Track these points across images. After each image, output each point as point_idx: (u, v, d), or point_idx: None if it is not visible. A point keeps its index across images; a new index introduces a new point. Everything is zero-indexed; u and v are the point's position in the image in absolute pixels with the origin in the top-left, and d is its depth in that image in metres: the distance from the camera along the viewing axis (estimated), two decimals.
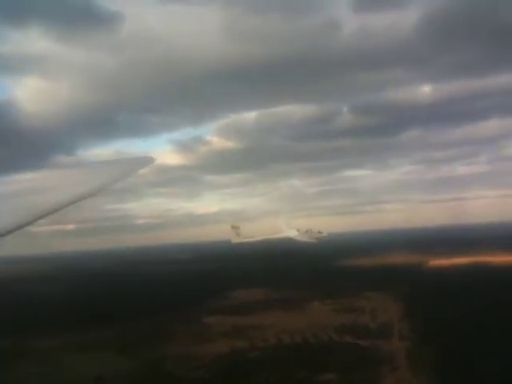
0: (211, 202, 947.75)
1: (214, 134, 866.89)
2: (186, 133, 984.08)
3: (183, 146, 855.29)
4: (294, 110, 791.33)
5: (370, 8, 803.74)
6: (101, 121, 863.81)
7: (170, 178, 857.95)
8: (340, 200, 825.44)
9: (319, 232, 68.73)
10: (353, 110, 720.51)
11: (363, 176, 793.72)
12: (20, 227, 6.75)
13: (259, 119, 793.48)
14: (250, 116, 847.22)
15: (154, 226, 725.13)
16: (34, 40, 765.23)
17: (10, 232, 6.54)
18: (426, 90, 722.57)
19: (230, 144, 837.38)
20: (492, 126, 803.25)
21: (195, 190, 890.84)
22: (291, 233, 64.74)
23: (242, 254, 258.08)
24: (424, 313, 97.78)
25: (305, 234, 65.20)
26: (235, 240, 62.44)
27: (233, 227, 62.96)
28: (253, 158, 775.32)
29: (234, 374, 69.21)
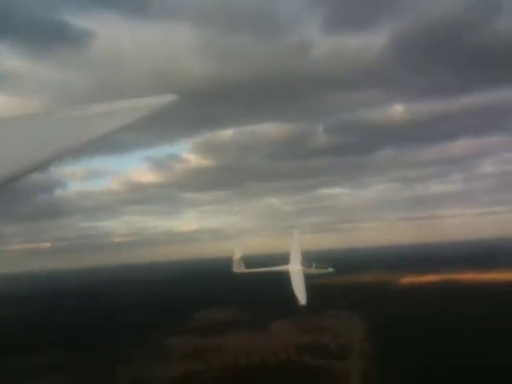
0: (189, 219, 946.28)
1: (190, 152, 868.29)
2: (161, 150, 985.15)
3: (159, 164, 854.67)
4: (269, 129, 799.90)
5: (341, 30, 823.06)
6: None
7: (145, 196, 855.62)
8: (317, 218, 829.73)
9: (326, 267, 59.92)
10: (328, 130, 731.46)
11: (340, 194, 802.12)
12: None
13: (235, 137, 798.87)
14: (226, 134, 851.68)
15: (131, 244, 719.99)
16: (4, 57, 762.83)
17: None
18: (398, 110, 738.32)
19: (206, 162, 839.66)
20: (463, 145, 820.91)
21: (172, 208, 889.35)
22: (296, 267, 57.10)
23: (218, 273, 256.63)
24: (386, 333, 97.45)
25: (311, 268, 57.99)
26: (238, 270, 59.79)
27: (235, 259, 60.72)
28: (230, 176, 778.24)
29: None
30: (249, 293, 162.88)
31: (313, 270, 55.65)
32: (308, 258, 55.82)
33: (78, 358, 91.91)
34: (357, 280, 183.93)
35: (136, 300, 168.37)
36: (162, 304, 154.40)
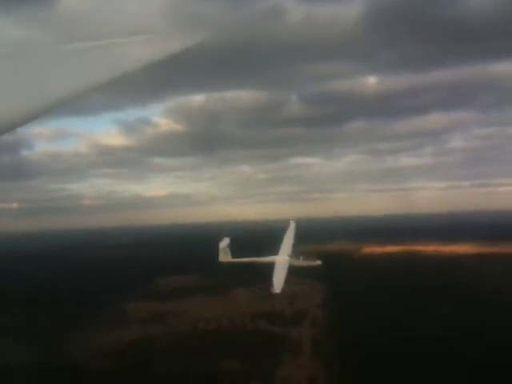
0: (159, 185, 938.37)
1: (161, 116, 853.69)
2: (131, 114, 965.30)
3: (129, 128, 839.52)
4: (242, 97, 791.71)
5: None
6: None
7: (115, 160, 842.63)
8: (289, 187, 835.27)
9: (314, 259, 58.00)
10: (301, 100, 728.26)
11: (312, 164, 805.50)
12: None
13: (208, 103, 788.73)
14: (199, 99, 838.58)
15: (99, 207, 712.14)
16: None
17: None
18: (371, 82, 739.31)
19: (177, 127, 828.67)
20: (434, 120, 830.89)
21: (142, 173, 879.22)
22: (283, 258, 54.97)
23: (186, 239, 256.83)
24: (343, 300, 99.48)
25: (298, 259, 55.62)
26: (223, 259, 58.47)
27: (221, 249, 59.34)
28: (202, 143, 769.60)
29: (135, 362, 68.24)
30: (215, 259, 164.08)
31: (300, 262, 55.08)
32: (295, 250, 55.78)
33: (36, 321, 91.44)
34: (322, 249, 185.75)
35: (101, 264, 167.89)
36: (126, 269, 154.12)
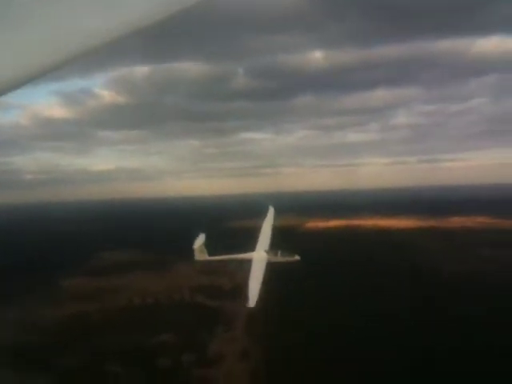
0: (105, 158, 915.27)
1: (104, 88, 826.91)
2: (71, 84, 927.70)
3: (70, 99, 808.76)
4: (188, 68, 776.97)
5: None
6: None
7: (57, 132, 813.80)
8: (238, 162, 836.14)
9: (292, 255, 56.23)
10: (248, 72, 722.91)
11: (260, 139, 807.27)
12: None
13: (152, 75, 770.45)
14: (143, 70, 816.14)
15: (43, 181, 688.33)
16: None
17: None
18: (318, 57, 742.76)
19: (121, 99, 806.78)
20: (379, 96, 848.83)
21: (86, 146, 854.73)
22: (261, 255, 50.92)
23: (131, 214, 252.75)
24: (284, 274, 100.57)
25: (276, 255, 52.14)
26: (200, 258, 54.49)
27: (197, 249, 55.68)
28: (148, 115, 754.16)
29: (66, 338, 66.92)
30: (159, 235, 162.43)
31: (278, 258, 50.59)
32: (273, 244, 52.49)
33: None
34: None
35: (41, 239, 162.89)
36: (67, 244, 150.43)
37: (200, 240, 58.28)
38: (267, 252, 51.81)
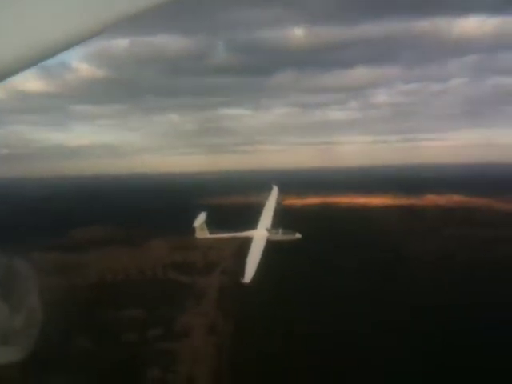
0: (82, 134, 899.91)
1: (82, 61, 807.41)
2: None
3: (46, 71, 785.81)
4: (167, 42, 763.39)
5: None
6: None
7: (33, 106, 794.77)
8: (218, 139, 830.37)
9: (293, 233, 54.79)
10: (228, 47, 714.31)
11: (240, 115, 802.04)
12: None
13: (132, 48, 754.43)
14: (122, 43, 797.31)
15: (17, 156, 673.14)
16: None
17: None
18: (298, 33, 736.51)
19: (100, 73, 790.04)
20: (360, 74, 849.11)
21: (63, 120, 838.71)
22: (261, 233, 49.34)
23: (107, 191, 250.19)
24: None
25: (277, 233, 50.40)
26: (200, 236, 52.59)
27: (198, 227, 53.91)
28: (126, 90, 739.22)
29: None
30: (133, 211, 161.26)
31: (279, 236, 49.58)
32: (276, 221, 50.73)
33: None
34: (244, 201, 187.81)
35: (13, 216, 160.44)
36: (39, 220, 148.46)
37: (201, 218, 56.57)
38: (269, 230, 50.58)
